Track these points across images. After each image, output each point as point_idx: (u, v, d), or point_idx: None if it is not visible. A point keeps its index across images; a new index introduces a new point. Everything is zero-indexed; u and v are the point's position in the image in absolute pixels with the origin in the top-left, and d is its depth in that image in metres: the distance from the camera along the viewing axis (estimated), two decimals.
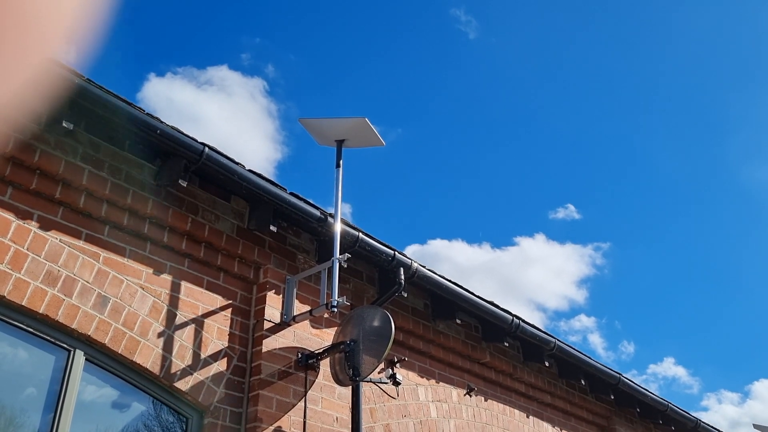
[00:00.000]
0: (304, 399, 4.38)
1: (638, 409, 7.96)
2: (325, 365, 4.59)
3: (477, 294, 5.70)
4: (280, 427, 4.15)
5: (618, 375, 7.30)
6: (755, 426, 11.58)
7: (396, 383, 4.92)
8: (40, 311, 3.43)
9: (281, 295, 4.57)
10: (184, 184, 4.01)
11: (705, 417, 8.91)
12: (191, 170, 4.04)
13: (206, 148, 3.96)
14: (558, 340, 6.46)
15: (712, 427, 9.14)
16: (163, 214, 4.07)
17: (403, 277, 5.01)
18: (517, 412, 6.57)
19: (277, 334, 4.42)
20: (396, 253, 4.98)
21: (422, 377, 5.61)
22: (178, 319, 4.04)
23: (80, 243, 3.73)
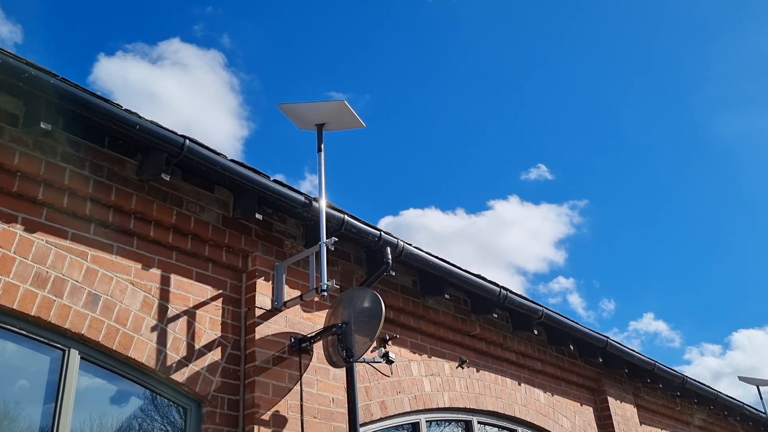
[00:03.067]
0: (299, 382, 4.45)
1: (626, 370, 8.14)
2: (318, 348, 4.66)
3: (464, 268, 5.78)
4: (277, 411, 4.22)
5: (605, 338, 7.45)
6: (740, 378, 11.89)
7: (389, 361, 5.00)
8: (32, 313, 3.45)
9: (271, 282, 4.61)
10: (167, 178, 4.01)
11: (688, 370, 9.17)
12: (173, 163, 4.04)
13: (187, 141, 3.96)
14: (545, 308, 6.58)
15: (698, 382, 9.38)
16: (148, 208, 4.08)
17: (390, 256, 5.07)
18: (508, 380, 6.70)
19: (269, 320, 4.47)
20: (382, 233, 5.02)
21: (414, 353, 5.70)
22: (170, 312, 4.08)
23: (67, 243, 3.74)
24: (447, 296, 5.81)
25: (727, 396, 10.30)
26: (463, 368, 6.09)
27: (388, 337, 5.28)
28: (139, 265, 4.04)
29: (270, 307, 4.51)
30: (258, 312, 4.43)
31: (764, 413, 11.57)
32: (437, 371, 5.84)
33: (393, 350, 5.34)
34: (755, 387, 11.84)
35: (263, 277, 4.57)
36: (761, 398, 11.66)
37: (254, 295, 4.46)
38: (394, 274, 5.30)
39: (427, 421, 5.60)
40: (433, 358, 5.87)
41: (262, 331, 4.39)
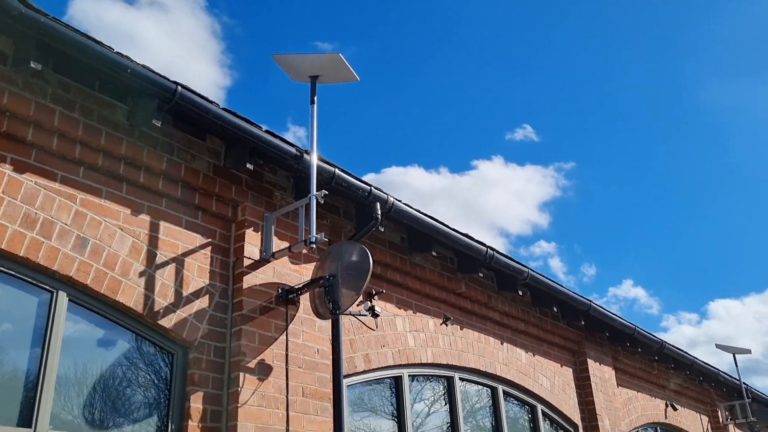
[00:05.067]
0: (285, 333, 4.51)
1: (607, 334, 8.29)
2: (305, 300, 4.71)
3: (452, 227, 5.82)
4: (263, 360, 4.29)
5: (589, 302, 7.57)
6: (717, 346, 12.13)
7: (374, 315, 5.07)
8: (21, 254, 3.46)
9: (260, 233, 4.63)
10: (158, 124, 3.98)
11: (665, 338, 9.32)
12: (165, 110, 4.01)
13: (179, 87, 3.92)
14: (531, 269, 6.66)
15: (675, 347, 9.58)
16: (138, 154, 4.06)
17: (379, 211, 5.10)
18: (491, 339, 6.81)
19: (257, 270, 4.50)
20: (372, 188, 5.04)
21: (400, 308, 5.77)
22: (159, 259, 4.10)
23: (56, 185, 3.72)
24: (434, 254, 5.86)
25: (703, 362, 10.54)
26: (447, 325, 6.18)
27: (374, 292, 5.34)
28: (128, 211, 4.04)
29: (258, 258, 4.54)
30: (246, 262, 4.46)
31: (738, 380, 11.86)
32: (421, 327, 5.93)
33: (379, 305, 5.41)
34: (731, 355, 12.11)
35: (252, 228, 4.58)
36: (736, 365, 11.93)
37: (243, 245, 4.49)
38: (382, 229, 5.34)
39: (409, 376, 5.70)
40: (418, 314, 5.95)
41: (250, 280, 4.43)
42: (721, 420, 11.96)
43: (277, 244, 4.67)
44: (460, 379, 6.28)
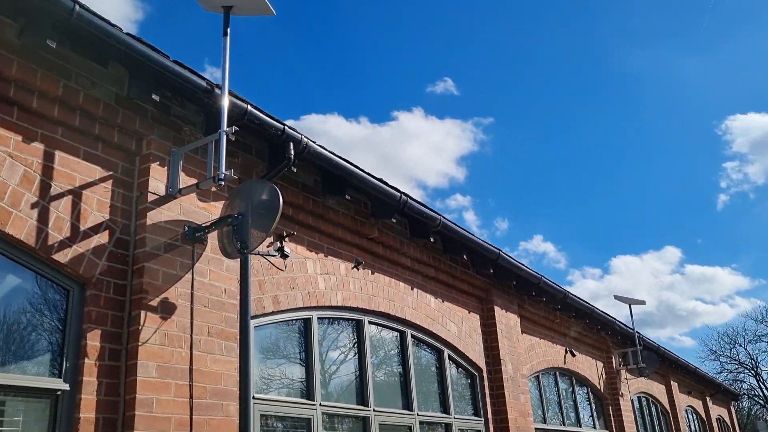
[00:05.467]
0: (191, 271, 4.40)
1: (514, 282, 8.57)
2: (212, 238, 4.59)
3: (367, 171, 5.78)
4: (166, 298, 4.17)
5: (498, 251, 7.77)
6: (616, 297, 12.81)
7: (284, 256, 5.02)
8: None
9: (166, 168, 4.44)
10: (53, 45, 3.71)
11: (570, 290, 9.75)
12: (61, 30, 3.73)
13: (77, 6, 3.64)
14: (443, 217, 6.75)
15: (577, 297, 10.04)
16: (31, 77, 3.78)
17: (293, 152, 5.00)
18: (402, 284, 6.90)
19: (163, 206, 4.34)
20: (286, 127, 4.92)
21: (311, 251, 5.73)
22: (53, 190, 3.87)
23: None
24: (348, 198, 5.83)
25: (601, 312, 11.11)
26: (358, 269, 6.21)
27: (285, 234, 5.27)
28: (20, 138, 3.77)
29: (164, 194, 4.37)
30: (151, 197, 4.28)
31: (632, 329, 12.60)
32: (332, 270, 5.92)
33: (290, 247, 5.35)
34: (627, 306, 12.83)
35: (158, 162, 4.39)
36: (631, 315, 12.67)
37: (147, 180, 4.30)
38: (295, 170, 5.24)
39: (319, 318, 5.71)
40: (329, 257, 5.94)
41: (155, 217, 4.27)
42: (614, 365, 12.72)
43: (185, 181, 4.51)
44: (370, 322, 6.35)
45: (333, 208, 5.94)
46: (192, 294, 4.36)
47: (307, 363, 5.51)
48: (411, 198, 6.24)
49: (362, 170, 5.73)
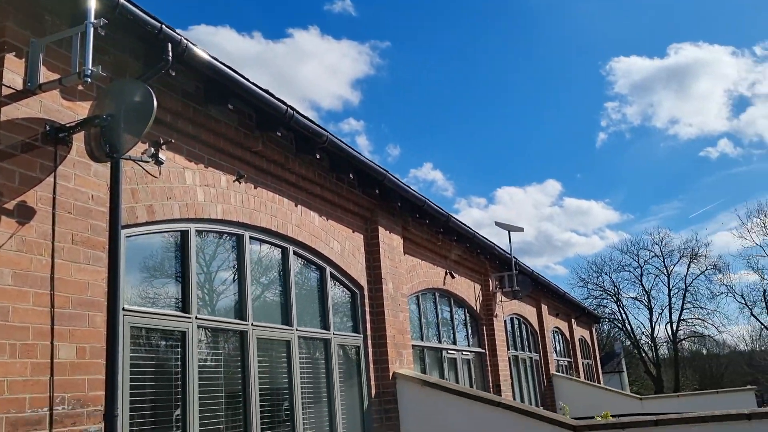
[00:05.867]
0: (53, 174, 4.09)
1: (399, 204, 8.68)
2: (79, 140, 4.28)
3: (252, 81, 5.55)
4: (24, 201, 3.87)
5: (384, 171, 7.80)
6: (496, 223, 13.33)
7: (158, 162, 4.78)
8: None
9: (24, 59, 4.04)
10: None
11: (453, 215, 10.03)
12: None
13: None
14: (330, 134, 6.64)
15: (459, 221, 10.34)
16: None
17: (171, 54, 4.68)
18: (286, 200, 6.81)
19: (20, 102, 3.97)
20: (163, 26, 4.58)
21: (190, 161, 5.50)
22: None
23: None
24: (231, 107, 5.59)
25: (482, 236, 11.54)
26: (240, 183, 6.04)
27: (162, 141, 5.00)
28: None
29: (21, 88, 3.99)
30: (6, 91, 3.89)
31: (510, 254, 13.21)
32: (213, 182, 5.73)
33: (167, 155, 5.10)
34: (507, 232, 13.40)
35: (15, 53, 3.98)
36: (510, 241, 13.26)
37: (2, 71, 3.90)
38: (174, 74, 4.94)
39: (197, 231, 5.54)
40: (210, 168, 5.72)
41: (10, 113, 3.90)
42: (491, 288, 13.37)
43: (46, 76, 4.13)
44: (251, 237, 6.25)
45: (215, 117, 5.69)
46: (54, 199, 4.07)
47: (183, 276, 5.37)
48: (298, 112, 6.08)
49: (247, 79, 5.50)
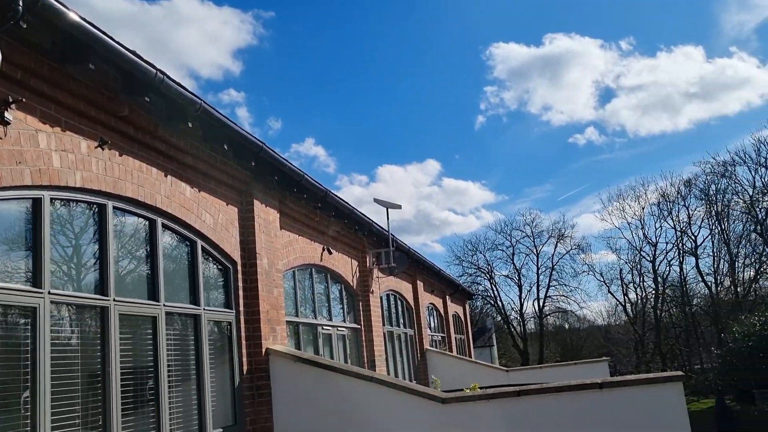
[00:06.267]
0: None
1: (276, 178, 8.51)
2: None
3: (117, 40, 5.18)
4: None
5: (261, 144, 7.59)
6: (375, 200, 13.43)
7: (4, 122, 4.36)
8: None
9: None
10: None
11: (332, 191, 9.97)
12: None
13: None
14: (204, 102, 6.36)
15: (338, 197, 10.31)
16: None
17: (21, 4, 4.26)
18: (154, 170, 6.47)
19: None
20: None
21: (45, 123, 5.07)
22: None
23: None
24: (92, 67, 5.19)
25: (360, 212, 11.58)
26: (103, 149, 5.66)
27: (11, 99, 4.58)
28: None
29: None
30: None
31: (387, 231, 13.37)
32: (71, 148, 5.32)
33: (17, 116, 4.69)
34: (385, 209, 13.54)
35: None
36: (388, 218, 13.41)
37: None
38: (25, 26, 4.50)
39: (52, 199, 5.14)
40: (68, 132, 5.31)
41: None
42: (368, 264, 13.49)
43: None
44: (115, 208, 5.89)
45: (75, 78, 5.27)
46: None
47: (35, 248, 4.97)
48: (168, 77, 5.76)
49: (112, 38, 5.12)
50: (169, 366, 6.36)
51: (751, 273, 42.28)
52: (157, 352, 6.21)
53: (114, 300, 5.67)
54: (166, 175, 6.66)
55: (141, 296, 6.20)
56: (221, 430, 7.13)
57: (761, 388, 28.78)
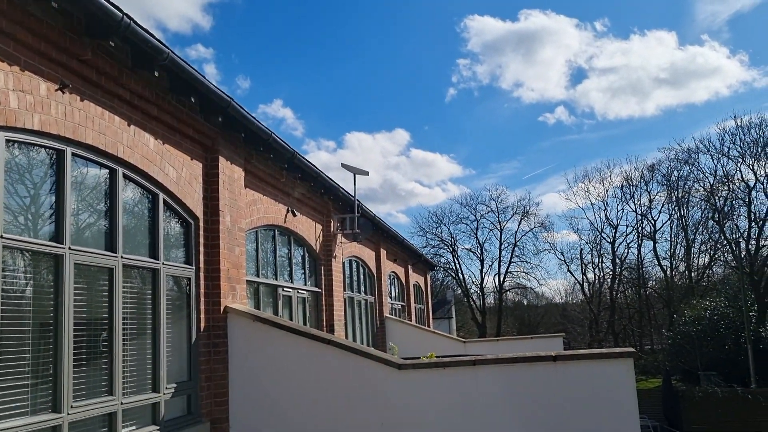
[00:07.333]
0: None
1: (243, 135, 8.36)
2: None
3: None
4: None
5: (229, 99, 7.43)
6: (343, 165, 13.35)
7: None
8: None
9: None
10: None
11: (299, 152, 9.84)
12: None
13: None
14: (172, 51, 6.18)
15: (305, 159, 10.20)
16: None
17: None
18: (117, 118, 6.28)
19: None
20: None
21: (2, 61, 4.86)
22: None
23: None
24: (55, 5, 4.99)
25: (327, 176, 11.50)
26: (63, 93, 5.47)
27: None
28: None
29: None
30: None
31: (353, 196, 13.32)
32: (30, 89, 5.12)
33: None
34: (352, 175, 13.47)
35: None
36: (354, 183, 13.35)
37: None
38: None
39: (8, 141, 4.96)
40: (27, 72, 5.10)
41: None
42: (332, 229, 13.44)
43: None
44: (74, 155, 5.72)
45: (36, 15, 5.05)
46: None
47: None
48: (135, 22, 5.56)
49: None
50: (124, 319, 6.26)
51: (706, 259, 43.50)
52: (113, 304, 6.10)
53: (69, 248, 5.54)
54: (129, 125, 6.48)
55: (98, 246, 6.07)
56: (175, 385, 7.09)
57: (706, 370, 29.80)
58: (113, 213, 6.27)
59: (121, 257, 6.28)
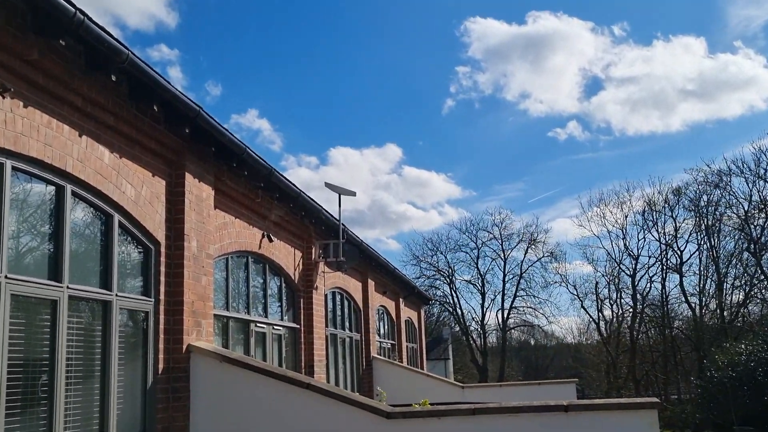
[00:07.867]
0: None
1: (214, 149, 8.32)
2: None
3: None
4: None
5: (198, 108, 7.40)
6: (326, 184, 13.33)
7: None
8: None
9: None
10: None
11: (278, 170, 9.80)
12: None
13: None
14: (132, 53, 6.15)
15: (284, 177, 10.16)
16: None
17: None
18: (66, 128, 6.22)
19: None
20: None
21: None
22: None
23: None
24: None
25: (308, 196, 11.45)
26: (4, 97, 5.40)
27: None
28: None
29: None
30: None
31: (338, 220, 13.27)
32: None
33: None
34: (337, 195, 13.44)
35: None
36: (339, 206, 13.30)
37: None
38: None
39: None
40: None
41: None
42: (313, 256, 13.37)
43: None
44: (15, 168, 5.64)
45: None
46: None
47: None
48: (90, 19, 5.53)
49: None
50: (68, 359, 6.14)
51: (740, 296, 43.34)
52: (56, 342, 5.99)
53: (6, 277, 5.44)
54: (80, 135, 6.42)
55: (41, 275, 5.97)
56: None
57: (742, 425, 29.61)
58: (59, 236, 6.18)
59: (67, 287, 6.18)
